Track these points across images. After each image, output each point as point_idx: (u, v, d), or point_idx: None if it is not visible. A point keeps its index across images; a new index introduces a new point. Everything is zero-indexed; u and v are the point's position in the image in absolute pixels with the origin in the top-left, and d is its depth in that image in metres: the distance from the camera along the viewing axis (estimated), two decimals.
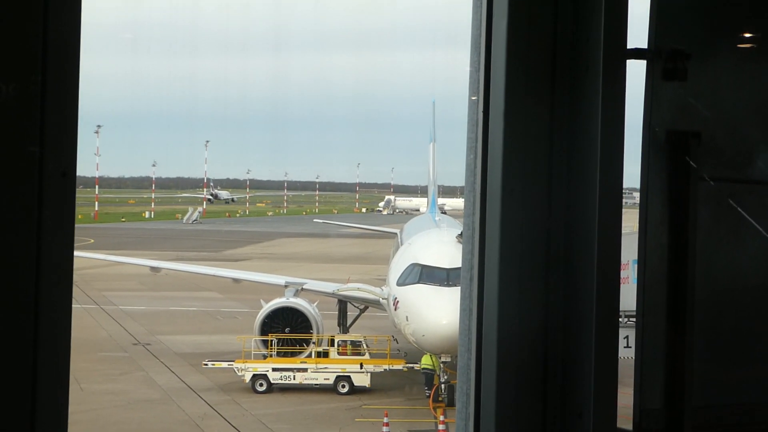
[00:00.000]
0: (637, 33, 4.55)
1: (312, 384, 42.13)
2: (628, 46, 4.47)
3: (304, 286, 49.31)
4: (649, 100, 4.59)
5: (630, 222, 5.12)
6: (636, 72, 4.51)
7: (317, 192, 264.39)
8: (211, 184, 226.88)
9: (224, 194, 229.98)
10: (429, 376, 40.23)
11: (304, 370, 42.29)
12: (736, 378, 4.89)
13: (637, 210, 4.66)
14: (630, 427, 4.58)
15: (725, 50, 4.89)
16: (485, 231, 4.51)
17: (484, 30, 4.58)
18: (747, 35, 4.95)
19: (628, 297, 4.65)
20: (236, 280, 57.52)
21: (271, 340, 43.51)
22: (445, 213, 73.97)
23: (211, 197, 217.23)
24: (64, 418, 3.49)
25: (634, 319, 4.76)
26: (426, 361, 40.10)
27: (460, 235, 35.24)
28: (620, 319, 4.54)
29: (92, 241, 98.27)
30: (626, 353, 5.45)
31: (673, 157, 4.64)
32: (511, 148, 4.42)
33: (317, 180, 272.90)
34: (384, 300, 44.46)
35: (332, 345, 43.39)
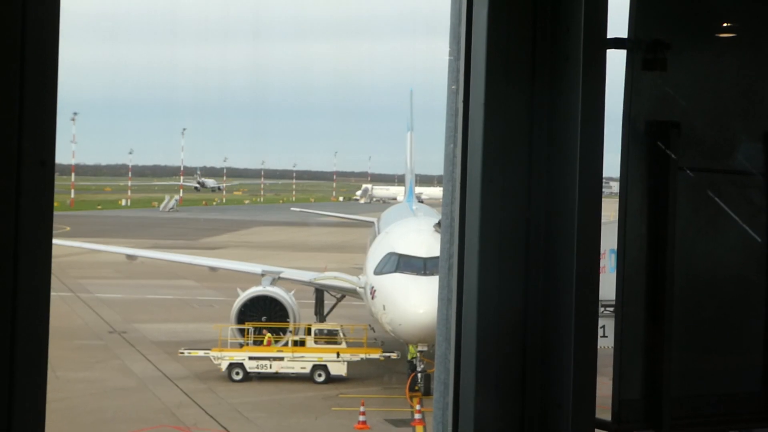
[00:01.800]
0: (618, 23, 4.55)
1: (288, 373, 42.08)
2: (608, 36, 4.46)
3: (281, 275, 49.25)
4: (629, 89, 4.58)
5: (607, 211, 5.12)
6: (616, 62, 4.51)
7: (294, 180, 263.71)
8: (198, 172, 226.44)
9: (211, 182, 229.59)
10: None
11: (281, 358, 42.23)
12: (715, 368, 4.90)
13: (616, 199, 4.65)
14: (608, 417, 4.58)
15: (705, 41, 4.89)
16: (465, 220, 4.50)
17: (464, 18, 4.56)
18: (726, 26, 4.95)
19: (605, 286, 4.65)
20: (213, 269, 57.45)
21: (248, 329, 43.44)
22: (422, 202, 74.11)
23: (197, 185, 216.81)
24: (42, 404, 3.48)
25: (611, 309, 4.76)
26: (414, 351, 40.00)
27: (438, 224, 35.20)
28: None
29: (68, 228, 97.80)
30: (603, 343, 5.46)
31: (653, 147, 4.64)
32: (491, 137, 4.41)
33: (294, 168, 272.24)
34: (361, 289, 44.44)
35: (309, 334, 43.36)
